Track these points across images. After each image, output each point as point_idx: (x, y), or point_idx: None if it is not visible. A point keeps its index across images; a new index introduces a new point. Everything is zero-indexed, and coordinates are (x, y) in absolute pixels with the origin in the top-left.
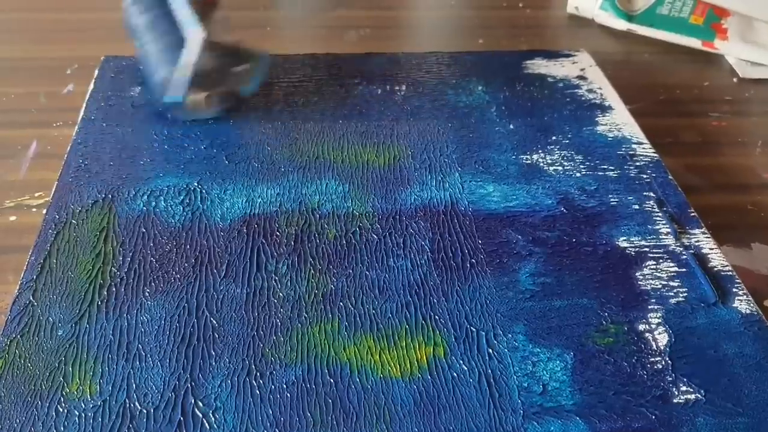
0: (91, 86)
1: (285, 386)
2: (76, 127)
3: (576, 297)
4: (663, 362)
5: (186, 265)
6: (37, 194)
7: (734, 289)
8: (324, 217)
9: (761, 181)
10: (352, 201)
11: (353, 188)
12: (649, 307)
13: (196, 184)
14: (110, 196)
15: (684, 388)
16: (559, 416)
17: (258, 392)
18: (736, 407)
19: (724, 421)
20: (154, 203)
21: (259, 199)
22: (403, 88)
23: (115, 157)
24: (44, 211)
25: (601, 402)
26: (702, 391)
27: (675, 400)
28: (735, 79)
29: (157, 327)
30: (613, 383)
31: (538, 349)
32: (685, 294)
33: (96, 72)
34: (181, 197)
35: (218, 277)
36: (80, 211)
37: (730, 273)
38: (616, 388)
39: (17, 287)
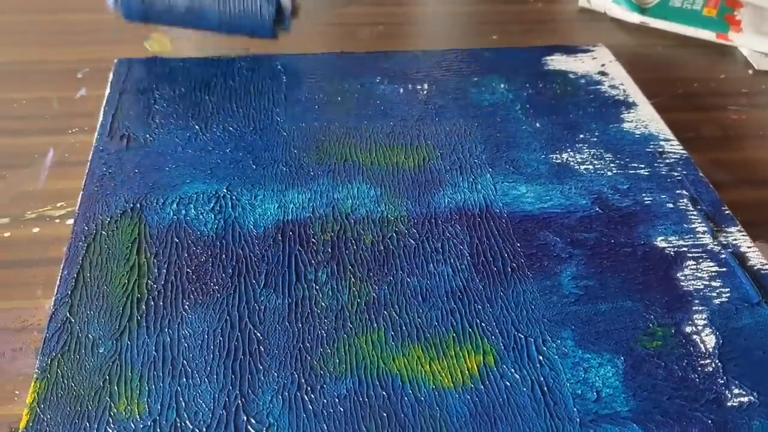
0: (108, 90)
1: (337, 400)
2: (96, 134)
3: (620, 300)
4: (713, 365)
5: (223, 275)
6: (58, 204)
7: None
8: (358, 222)
9: None
10: (385, 205)
11: (385, 191)
12: (694, 308)
13: (225, 190)
14: (138, 205)
15: (737, 391)
16: (616, 423)
17: (311, 407)
18: None
19: None
20: (184, 211)
21: (291, 205)
22: (425, 86)
23: (139, 164)
24: (68, 222)
25: (656, 407)
26: (755, 394)
27: (729, 404)
28: (750, 71)
29: (200, 341)
30: (666, 388)
31: (588, 355)
32: (728, 294)
33: (110, 76)
34: (211, 204)
35: (258, 288)
36: (109, 221)
37: None
38: (669, 393)
39: (49, 302)
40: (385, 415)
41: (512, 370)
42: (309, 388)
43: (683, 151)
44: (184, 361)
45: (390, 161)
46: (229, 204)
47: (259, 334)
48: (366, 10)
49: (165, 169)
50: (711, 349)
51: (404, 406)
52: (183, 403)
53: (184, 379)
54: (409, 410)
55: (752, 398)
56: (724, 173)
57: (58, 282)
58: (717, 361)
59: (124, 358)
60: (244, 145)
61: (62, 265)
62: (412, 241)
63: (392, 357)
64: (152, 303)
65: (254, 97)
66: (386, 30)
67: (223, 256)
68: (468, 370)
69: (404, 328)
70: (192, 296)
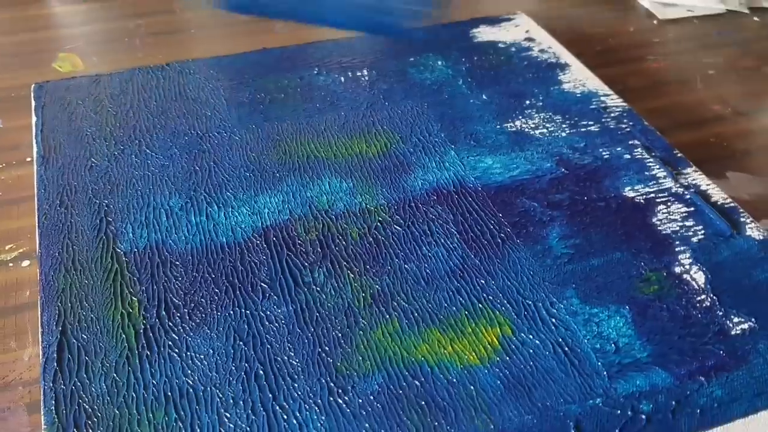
0: (34, 118)
1: (372, 398)
2: (35, 165)
3: (609, 252)
4: (709, 299)
5: (217, 291)
6: (8, 247)
7: (742, 219)
8: (340, 217)
9: (713, 114)
10: (361, 196)
11: (357, 182)
12: (677, 249)
13: (192, 203)
14: (104, 233)
15: (736, 320)
16: (640, 369)
17: (348, 410)
18: None
19: None
20: (155, 232)
21: (266, 210)
22: (365, 72)
23: (93, 190)
24: (23, 264)
25: (670, 348)
26: (753, 319)
27: (733, 333)
28: (655, 21)
29: (214, 364)
30: (674, 328)
31: (596, 309)
32: (703, 231)
33: (32, 102)
34: (182, 220)
35: (258, 299)
36: (78, 256)
37: (733, 204)
38: (678, 333)
39: (27, 352)
40: (423, 402)
41: (530, 336)
42: (340, 391)
43: (624, 104)
44: (203, 388)
45: (353, 152)
46: (202, 217)
47: (272, 346)
48: None
49: (121, 191)
50: (703, 285)
51: (439, 390)
52: (220, 431)
53: (210, 407)
54: (445, 393)
55: (752, 324)
56: (660, 119)
57: (40, 329)
58: (711, 295)
59: (141, 397)
60: (198, 154)
61: (40, 312)
62: (399, 228)
63: (413, 345)
64: (151, 334)
65: (193, 104)
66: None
67: (211, 271)
68: (489, 344)
69: (416, 314)
70: (190, 319)
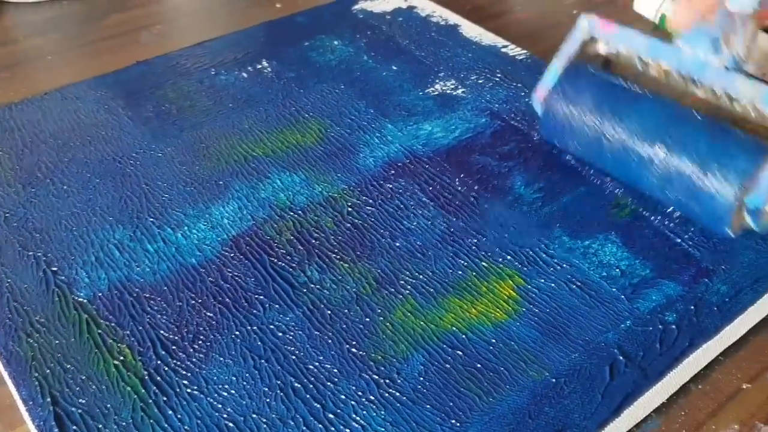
0: None
1: (422, 378)
2: None
3: (574, 188)
4: (670, 206)
5: (211, 315)
6: None
7: None
8: (306, 210)
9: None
10: (318, 185)
11: (309, 173)
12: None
13: (140, 230)
14: (56, 285)
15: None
16: (650, 285)
17: (404, 397)
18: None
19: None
20: (114, 270)
21: (225, 220)
22: (265, 63)
23: (20, 242)
24: None
25: (667, 260)
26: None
27: (712, 236)
28: None
29: (244, 390)
30: (660, 242)
31: (588, 241)
32: None
33: None
34: (138, 251)
35: (258, 312)
36: (32, 318)
37: None
38: (666, 245)
39: None
40: (474, 369)
41: (542, 280)
42: (388, 381)
43: (524, 51)
44: (242, 418)
45: (290, 144)
46: (158, 243)
47: (296, 356)
48: (131, 15)
49: (54, 236)
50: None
51: (482, 353)
52: None
53: None
54: (490, 355)
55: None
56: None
57: (23, 406)
58: (671, 206)
59: None
60: (123, 179)
61: (15, 388)
62: (371, 208)
63: (438, 317)
64: (159, 378)
65: (95, 128)
66: (166, 28)
67: (195, 296)
68: (508, 297)
69: (426, 287)
70: (195, 351)
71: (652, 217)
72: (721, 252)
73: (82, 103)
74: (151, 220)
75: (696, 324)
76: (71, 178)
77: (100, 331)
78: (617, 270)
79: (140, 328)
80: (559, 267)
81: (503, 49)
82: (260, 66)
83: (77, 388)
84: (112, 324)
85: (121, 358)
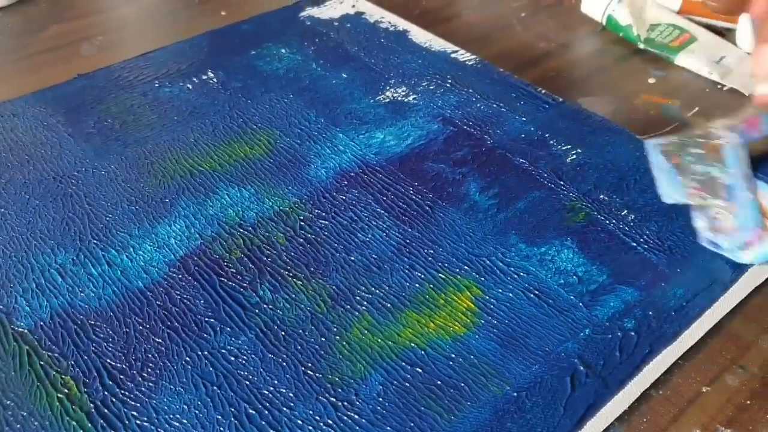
0: None
1: (381, 399)
2: None
3: (528, 193)
4: (625, 209)
5: (160, 341)
6: None
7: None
8: (257, 226)
9: (543, 51)
10: (269, 199)
11: (258, 187)
12: (576, 176)
13: (84, 253)
14: None
15: (663, 223)
16: (608, 291)
17: (363, 419)
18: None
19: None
20: (56, 297)
21: (172, 240)
22: (210, 74)
23: None
24: None
25: (624, 265)
26: (682, 218)
27: (666, 234)
28: None
29: (195, 419)
30: (616, 246)
31: (544, 248)
32: (574, 152)
33: None
34: (82, 275)
35: (209, 336)
36: None
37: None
38: (622, 248)
39: None
40: (434, 386)
41: (500, 290)
42: (347, 403)
43: (474, 56)
44: None
45: (238, 157)
46: (102, 266)
47: (249, 381)
48: (71, 26)
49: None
50: (612, 197)
51: (442, 369)
52: None
53: None
54: (450, 371)
55: (683, 221)
56: (502, 64)
57: None
58: (625, 210)
59: None
60: (65, 199)
61: None
62: (324, 221)
63: (395, 333)
64: (106, 410)
65: (33, 147)
66: (108, 39)
67: (143, 321)
68: (466, 309)
69: (383, 302)
70: (145, 379)
71: (607, 221)
72: (676, 255)
73: (19, 120)
74: (95, 242)
75: (655, 330)
76: (9, 201)
77: (42, 362)
78: (574, 277)
79: (85, 357)
80: (516, 276)
81: (453, 55)
82: (205, 77)
83: (18, 426)
84: (56, 354)
85: (66, 390)
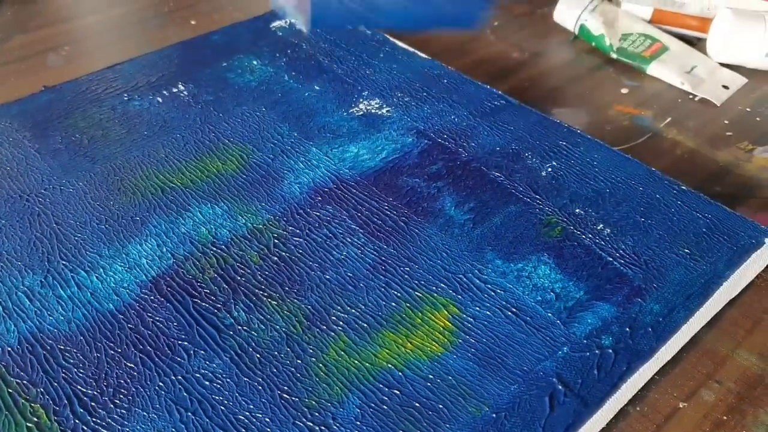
0: None
1: (359, 422)
2: None
3: (504, 207)
4: (601, 223)
5: (132, 366)
6: None
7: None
8: (230, 245)
9: (516, 61)
10: (242, 216)
11: (232, 204)
12: (552, 189)
13: (52, 275)
14: None
15: (635, 239)
16: (585, 308)
17: None
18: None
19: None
20: (23, 321)
21: (143, 260)
22: (181, 87)
23: None
24: None
25: (601, 280)
26: (660, 232)
27: (645, 250)
28: None
29: None
30: (592, 261)
31: (520, 264)
32: (555, 164)
33: None
34: (51, 298)
35: (182, 360)
36: None
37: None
38: (599, 263)
39: None
40: (412, 408)
41: (477, 308)
42: (324, 428)
43: (447, 67)
44: None
45: (209, 173)
46: (72, 288)
47: (224, 406)
48: (37, 36)
49: None
50: (589, 212)
51: (420, 391)
52: None
53: None
54: (427, 392)
55: (660, 233)
56: (476, 75)
57: None
58: (601, 224)
59: None
60: (32, 218)
61: None
62: (298, 239)
63: (372, 354)
64: None
65: (2, 164)
66: (75, 49)
67: (114, 345)
68: (444, 328)
69: (359, 322)
70: (117, 406)
71: (583, 236)
72: (651, 270)
73: None
74: (63, 263)
75: (632, 346)
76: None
77: (10, 390)
78: (551, 293)
79: (55, 384)
80: (493, 293)
81: (426, 65)
82: (176, 90)
83: None
84: (24, 381)
85: (35, 419)
